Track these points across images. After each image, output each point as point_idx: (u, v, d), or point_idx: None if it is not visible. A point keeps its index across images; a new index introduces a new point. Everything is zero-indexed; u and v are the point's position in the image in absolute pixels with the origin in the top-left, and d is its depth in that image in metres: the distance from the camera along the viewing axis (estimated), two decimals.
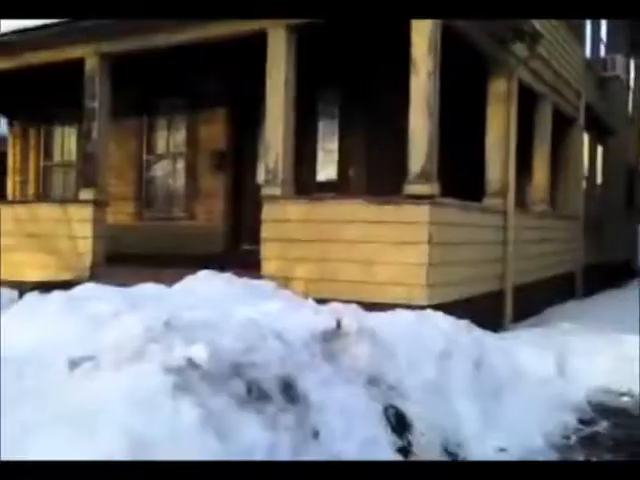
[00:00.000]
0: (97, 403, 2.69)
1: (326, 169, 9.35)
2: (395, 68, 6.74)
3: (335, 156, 9.30)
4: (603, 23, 13.59)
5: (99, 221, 8.04)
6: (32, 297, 4.34)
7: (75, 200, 8.60)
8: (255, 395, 3.08)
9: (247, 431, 2.82)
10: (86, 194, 8.08)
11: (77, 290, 4.47)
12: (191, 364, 2.96)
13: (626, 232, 16.87)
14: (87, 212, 8.00)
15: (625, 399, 5.19)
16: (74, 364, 3.05)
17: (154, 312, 3.46)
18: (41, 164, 12.03)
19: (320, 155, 9.41)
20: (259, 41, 6.75)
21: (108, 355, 3.00)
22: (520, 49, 7.90)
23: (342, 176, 9.20)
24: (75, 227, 8.05)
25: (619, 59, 13.12)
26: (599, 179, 13.69)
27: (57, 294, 4.17)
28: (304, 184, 8.01)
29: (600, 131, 13.13)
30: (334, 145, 9.32)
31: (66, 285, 4.91)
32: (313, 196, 7.05)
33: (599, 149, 13.56)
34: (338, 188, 8.76)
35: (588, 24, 12.39)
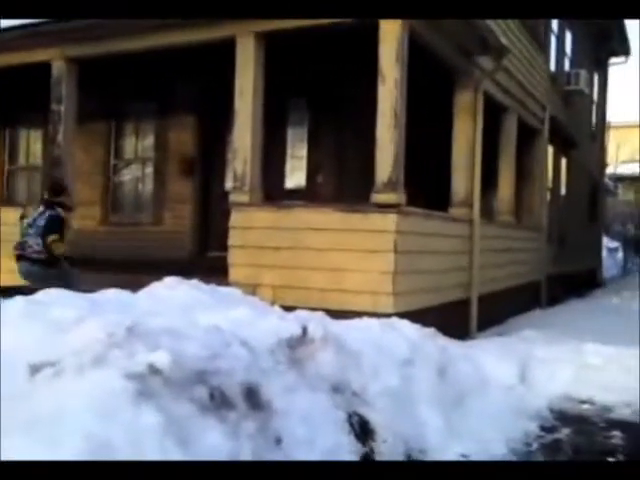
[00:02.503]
0: (58, 409, 2.66)
1: (295, 176, 9.38)
2: (363, 78, 6.80)
3: (304, 163, 9.33)
4: (568, 38, 13.87)
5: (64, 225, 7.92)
6: None
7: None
8: (218, 402, 3.07)
9: (209, 438, 2.81)
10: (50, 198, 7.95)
11: (39, 295, 4.40)
12: (153, 370, 2.94)
13: (590, 243, 17.19)
14: None
15: (586, 407, 5.28)
16: (35, 369, 3.01)
17: (117, 318, 3.43)
18: (5, 167, 11.83)
19: (289, 162, 9.43)
20: (228, 48, 6.76)
21: (70, 360, 2.97)
22: (486, 62, 8.04)
23: (311, 183, 9.23)
24: None
25: (583, 74, 13.40)
26: (563, 190, 13.94)
27: (19, 299, 4.10)
28: (273, 191, 8.01)
29: (564, 143, 13.38)
30: (303, 152, 9.35)
31: (30, 290, 4.84)
32: (281, 203, 7.06)
33: (563, 161, 13.82)
34: (307, 195, 8.78)
35: (553, 39, 12.65)
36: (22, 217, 6.82)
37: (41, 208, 6.69)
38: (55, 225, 6.54)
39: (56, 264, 6.56)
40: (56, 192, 6.88)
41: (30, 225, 6.59)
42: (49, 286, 5.25)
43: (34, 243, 6.51)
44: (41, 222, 6.55)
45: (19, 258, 6.63)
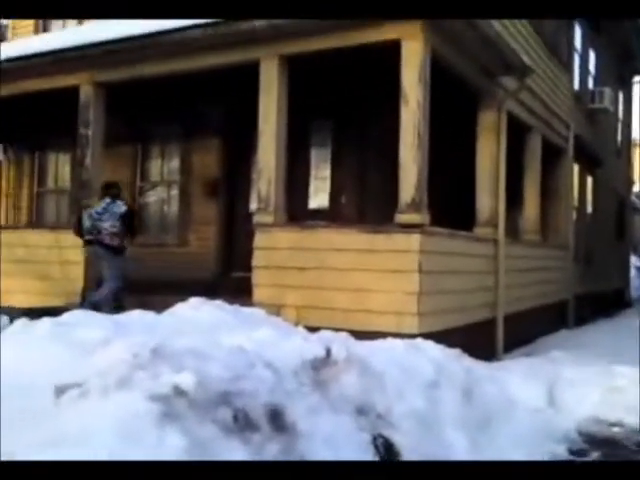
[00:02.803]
0: (83, 430, 2.68)
1: (318, 197, 9.40)
2: (386, 99, 6.82)
3: (327, 184, 9.36)
4: (591, 56, 13.80)
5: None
6: (21, 323, 4.33)
7: (68, 227, 8.59)
8: (242, 424, 3.06)
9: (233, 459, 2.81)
10: None
11: (66, 317, 4.46)
12: (178, 392, 2.95)
13: (617, 262, 16.94)
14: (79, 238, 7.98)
15: (615, 429, 5.17)
16: (61, 391, 3.04)
17: (142, 339, 3.45)
18: (35, 190, 12.03)
19: (312, 183, 9.47)
20: (252, 70, 6.83)
21: (95, 382, 2.99)
22: (509, 82, 8.03)
23: (334, 204, 9.24)
24: (67, 253, 8.04)
25: (607, 91, 13.31)
26: (589, 209, 13.79)
27: (46, 320, 4.16)
28: (296, 212, 8.04)
29: (589, 162, 13.26)
30: (326, 173, 9.39)
31: (56, 311, 4.90)
32: (305, 224, 7.08)
33: (589, 179, 13.69)
34: (330, 216, 8.79)
35: (576, 57, 12.59)
36: (86, 207, 7.58)
37: (108, 199, 7.41)
38: (130, 219, 7.50)
39: (122, 252, 7.42)
40: (109, 187, 7.61)
41: (101, 213, 7.30)
42: (111, 271, 7.11)
43: (110, 226, 7.26)
44: (115, 209, 7.33)
45: (90, 242, 7.34)
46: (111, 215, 7.30)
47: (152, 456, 2.55)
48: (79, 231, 7.42)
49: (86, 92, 8.04)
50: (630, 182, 20.49)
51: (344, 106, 9.06)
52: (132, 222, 7.53)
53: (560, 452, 4.59)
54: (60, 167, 11.83)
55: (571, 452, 4.63)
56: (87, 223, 7.32)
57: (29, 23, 11.30)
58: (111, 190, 7.51)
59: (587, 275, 12.72)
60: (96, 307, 6.49)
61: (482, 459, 4.19)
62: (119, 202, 7.45)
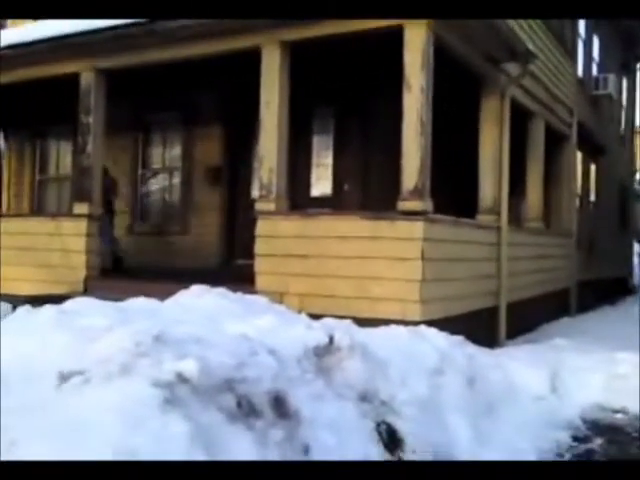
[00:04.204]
0: (86, 417, 2.67)
1: (320, 184, 9.38)
2: (389, 85, 6.79)
3: (329, 171, 9.33)
4: (595, 43, 13.72)
5: (93, 235, 8.03)
6: (24, 311, 4.32)
7: (69, 214, 8.59)
8: (245, 410, 3.06)
9: (236, 446, 2.80)
10: (80, 208, 8.07)
11: (68, 304, 4.44)
12: (181, 379, 2.94)
13: (620, 249, 16.92)
14: (81, 226, 7.99)
15: (619, 416, 5.17)
16: (64, 378, 3.03)
17: (145, 326, 3.44)
18: (36, 178, 12.03)
19: (315, 170, 9.44)
20: (254, 57, 6.79)
21: (98, 369, 2.98)
22: (512, 68, 7.97)
23: (336, 191, 9.22)
24: (69, 241, 8.03)
25: (611, 78, 13.23)
26: (592, 196, 13.75)
27: (48, 308, 4.14)
28: (298, 199, 8.03)
29: (593, 149, 13.21)
30: (328, 160, 9.36)
31: (59, 299, 4.89)
32: (307, 211, 7.06)
33: (592, 167, 13.64)
34: (332, 203, 8.78)
35: (580, 43, 12.51)
36: None
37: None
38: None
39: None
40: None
41: None
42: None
43: None
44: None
45: None
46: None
47: (156, 442, 2.55)
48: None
49: (87, 79, 8.00)
50: (633, 170, 20.43)
51: (346, 93, 9.01)
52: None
53: (564, 439, 4.60)
54: (61, 155, 11.81)
55: (575, 439, 4.63)
56: None
57: None
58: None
59: (590, 263, 12.70)
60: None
61: (485, 446, 4.19)
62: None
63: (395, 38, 6.09)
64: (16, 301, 6.59)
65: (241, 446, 2.83)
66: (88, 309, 4.23)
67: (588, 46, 13.15)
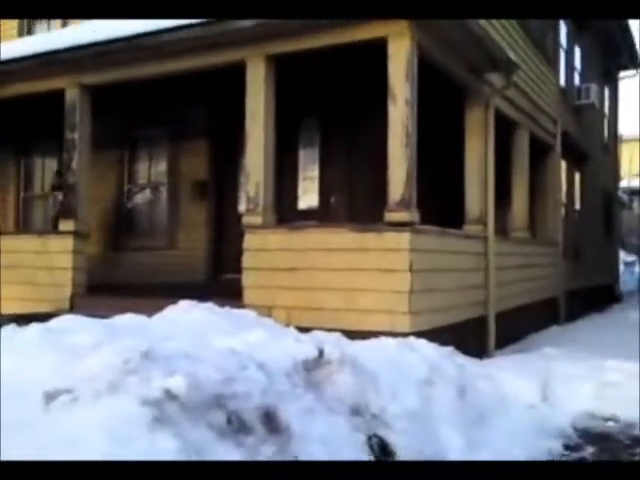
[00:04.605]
0: (74, 436, 2.63)
1: (307, 197, 9.38)
2: (374, 97, 6.81)
3: (316, 184, 9.34)
4: (577, 52, 13.86)
5: (79, 252, 7.98)
6: (9, 329, 4.26)
7: (55, 231, 8.53)
8: (235, 426, 3.03)
9: None
10: (66, 225, 8.02)
11: (55, 322, 4.40)
12: (169, 395, 2.91)
13: (606, 257, 17.02)
14: (67, 243, 7.93)
15: (610, 424, 5.17)
16: (51, 397, 2.99)
17: (133, 343, 3.41)
18: (21, 195, 11.94)
19: (301, 183, 9.45)
20: (238, 71, 6.80)
21: (85, 387, 2.95)
22: (496, 78, 8.03)
23: (323, 204, 9.23)
24: (55, 258, 7.97)
25: (593, 87, 13.36)
26: (577, 205, 13.84)
27: (34, 326, 4.10)
28: (285, 212, 8.01)
29: (577, 158, 13.31)
30: (315, 173, 9.36)
31: (45, 317, 4.83)
32: (294, 224, 7.05)
33: (576, 176, 13.74)
34: (319, 216, 8.77)
35: (562, 53, 12.64)
36: None
37: None
38: None
39: None
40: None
41: None
42: None
43: None
44: None
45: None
46: None
47: (145, 460, 2.51)
48: None
49: (72, 95, 7.97)
50: (617, 178, 20.61)
51: (332, 105, 9.04)
52: None
53: (555, 447, 4.59)
54: (47, 172, 11.74)
55: (566, 447, 4.62)
56: None
57: (12, 26, 11.20)
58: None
59: (577, 271, 12.77)
60: None
61: (477, 457, 4.18)
62: None
63: (380, 50, 6.12)
64: (2, 320, 6.52)
65: None
66: (75, 327, 4.19)
67: (570, 56, 13.29)
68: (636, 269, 25.06)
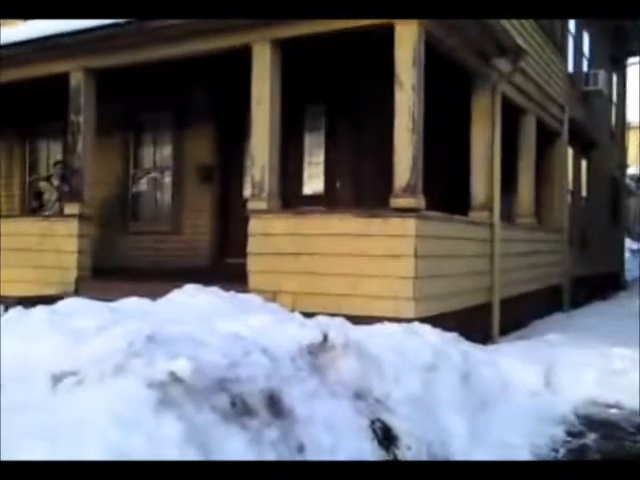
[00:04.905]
0: (80, 418, 2.65)
1: (313, 182, 9.36)
2: (380, 82, 6.77)
3: (321, 169, 9.32)
4: (585, 39, 13.75)
5: (84, 236, 8.00)
6: (16, 312, 4.29)
7: (60, 215, 8.54)
8: (240, 410, 3.05)
9: (231, 446, 2.79)
10: (71, 209, 8.03)
11: (61, 305, 4.43)
12: (174, 378, 2.93)
13: (612, 245, 16.98)
14: (72, 227, 7.95)
15: (613, 411, 5.17)
16: (57, 379, 3.02)
17: (138, 326, 3.42)
18: (26, 179, 11.95)
19: (307, 169, 9.43)
20: (245, 55, 6.77)
21: (91, 370, 2.97)
22: (503, 64, 7.97)
23: (329, 189, 9.21)
24: (60, 242, 7.99)
25: (601, 74, 13.26)
26: (584, 192, 13.79)
27: (40, 309, 4.13)
28: (291, 197, 8.02)
29: (584, 145, 13.24)
30: (320, 158, 9.34)
31: (51, 300, 4.86)
32: (299, 209, 7.04)
33: (583, 163, 13.67)
34: (325, 201, 8.76)
35: (570, 39, 12.54)
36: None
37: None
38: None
39: None
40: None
41: None
42: None
43: None
44: None
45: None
46: None
47: (149, 443, 2.53)
48: None
49: (77, 78, 7.95)
50: (624, 165, 20.49)
51: (338, 90, 8.99)
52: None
53: (558, 434, 4.60)
54: (52, 155, 11.74)
55: (569, 434, 4.64)
56: None
57: None
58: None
59: (582, 258, 12.74)
60: None
61: (480, 443, 4.20)
62: None
63: (386, 35, 6.08)
64: (8, 302, 6.56)
65: (235, 446, 2.82)
66: (80, 310, 4.22)
67: (578, 42, 13.18)
68: None
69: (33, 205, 10.54)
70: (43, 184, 10.57)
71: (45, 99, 9.43)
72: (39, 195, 10.41)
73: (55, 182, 10.22)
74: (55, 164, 10.64)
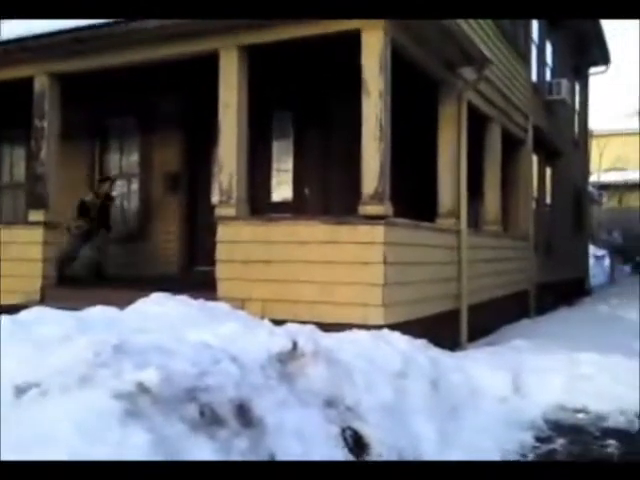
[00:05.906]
0: (44, 430, 2.59)
1: (281, 189, 9.34)
2: (347, 90, 6.79)
3: (290, 176, 9.31)
4: (548, 48, 13.98)
5: (49, 243, 7.85)
6: None
7: (24, 222, 8.37)
8: (208, 419, 3.00)
9: (199, 456, 2.75)
10: (35, 216, 7.88)
11: (24, 314, 4.32)
12: (142, 389, 2.87)
13: (576, 251, 17.24)
14: (37, 234, 7.79)
15: (580, 416, 5.23)
16: (20, 391, 2.94)
17: (104, 336, 3.36)
18: None
19: (275, 175, 9.41)
20: (212, 62, 6.73)
21: (56, 381, 2.89)
22: (468, 73, 8.06)
23: (297, 196, 9.20)
24: (25, 250, 7.82)
25: (564, 83, 13.49)
26: (548, 199, 13.99)
27: (3, 318, 4.02)
28: (259, 204, 7.98)
29: (548, 153, 13.44)
30: (289, 165, 9.33)
31: (15, 309, 4.75)
32: (268, 217, 7.01)
33: (548, 171, 13.88)
34: (293, 208, 8.75)
35: (534, 49, 12.74)
36: None
37: None
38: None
39: None
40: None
41: None
42: None
43: None
44: None
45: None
46: None
47: (116, 455, 2.48)
48: None
49: (41, 83, 7.82)
50: (587, 173, 20.87)
51: (306, 97, 9.00)
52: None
53: (527, 439, 4.63)
54: (15, 161, 11.52)
55: (537, 439, 4.67)
56: None
57: None
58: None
59: (547, 265, 12.91)
60: None
61: (450, 449, 4.20)
62: None
63: (353, 42, 6.10)
64: None
65: (204, 456, 2.77)
66: (44, 319, 4.12)
67: (541, 51, 13.39)
68: (606, 263, 25.45)
69: None
70: None
71: (8, 103, 9.24)
72: None
73: None
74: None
